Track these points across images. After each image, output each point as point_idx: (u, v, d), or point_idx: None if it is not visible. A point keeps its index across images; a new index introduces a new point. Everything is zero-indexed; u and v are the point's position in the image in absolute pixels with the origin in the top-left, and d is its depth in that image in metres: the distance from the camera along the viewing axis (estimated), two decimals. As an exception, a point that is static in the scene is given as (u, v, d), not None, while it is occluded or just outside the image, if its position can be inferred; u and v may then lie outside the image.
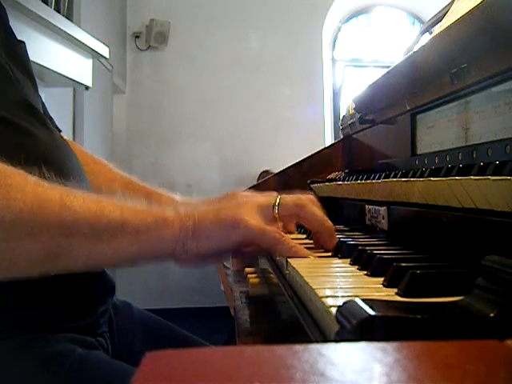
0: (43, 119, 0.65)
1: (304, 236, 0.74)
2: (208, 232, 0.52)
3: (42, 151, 0.59)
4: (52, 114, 0.77)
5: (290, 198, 0.57)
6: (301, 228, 0.79)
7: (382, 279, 0.39)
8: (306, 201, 0.57)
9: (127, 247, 0.49)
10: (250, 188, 1.40)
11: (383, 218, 0.65)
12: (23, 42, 0.71)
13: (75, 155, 0.69)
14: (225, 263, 2.64)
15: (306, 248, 0.56)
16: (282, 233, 0.54)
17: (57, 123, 0.77)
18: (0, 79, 0.60)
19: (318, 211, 0.57)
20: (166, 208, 0.53)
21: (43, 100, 0.75)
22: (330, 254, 0.56)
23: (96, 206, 0.48)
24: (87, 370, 0.55)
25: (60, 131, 0.77)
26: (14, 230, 0.43)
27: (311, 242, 0.65)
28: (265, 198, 0.57)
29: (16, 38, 0.70)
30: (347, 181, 0.90)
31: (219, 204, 0.55)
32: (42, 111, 0.68)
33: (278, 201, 0.56)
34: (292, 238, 0.68)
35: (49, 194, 0.46)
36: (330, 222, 0.58)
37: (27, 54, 0.71)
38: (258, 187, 1.45)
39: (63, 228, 0.46)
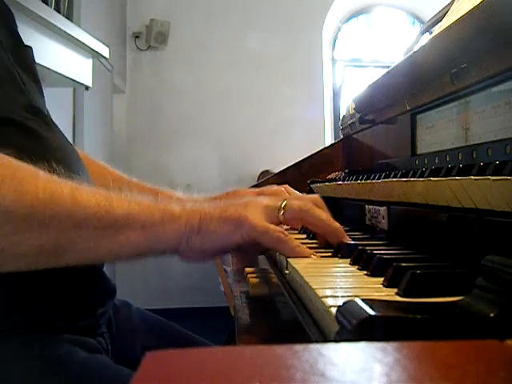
0: (49, 121, 0.65)
1: (304, 236, 0.74)
2: (213, 229, 0.52)
3: (48, 152, 0.59)
4: (52, 114, 0.77)
5: (296, 201, 0.57)
6: (301, 228, 0.79)
7: (382, 279, 0.39)
8: (311, 205, 0.58)
9: (133, 241, 0.50)
10: (250, 188, 1.40)
11: (383, 218, 0.65)
12: (30, 48, 0.71)
13: (79, 157, 0.69)
14: (224, 266, 2.65)
15: (308, 248, 0.57)
16: (286, 232, 0.54)
17: (57, 123, 0.77)
18: (8, 82, 0.61)
19: (322, 214, 0.57)
20: (172, 203, 0.54)
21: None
22: (329, 252, 0.56)
23: (105, 201, 0.48)
24: (89, 373, 0.54)
25: None
26: (25, 223, 0.44)
27: (312, 241, 0.65)
28: (271, 200, 0.57)
29: (23, 43, 0.71)
30: (347, 181, 0.90)
31: (225, 202, 0.56)
32: (47, 113, 0.69)
33: (283, 204, 0.56)
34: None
35: (60, 188, 0.46)
36: (335, 223, 0.58)
37: (34, 59, 0.72)
38: (259, 187, 1.44)
39: (73, 222, 0.46)
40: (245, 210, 0.53)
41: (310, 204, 0.58)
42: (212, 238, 0.52)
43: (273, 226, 0.53)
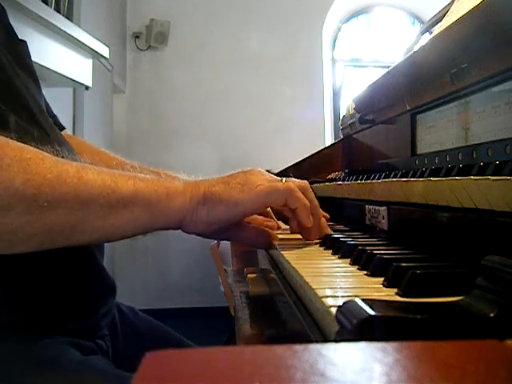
0: (42, 123, 0.64)
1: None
2: (218, 200, 0.53)
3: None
4: (52, 115, 0.77)
5: (294, 179, 0.60)
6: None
7: (382, 279, 0.39)
8: (308, 186, 0.60)
9: (138, 218, 0.50)
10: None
11: (383, 218, 0.65)
12: (25, 42, 0.71)
13: (77, 157, 0.69)
14: (225, 267, 2.65)
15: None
16: (295, 186, 0.56)
17: (58, 122, 0.78)
18: (4, 88, 0.60)
19: (315, 198, 0.61)
20: (176, 179, 0.55)
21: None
22: (330, 251, 0.56)
23: (110, 180, 0.49)
24: (82, 376, 0.54)
25: (64, 128, 0.78)
26: (35, 203, 0.44)
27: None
28: (271, 176, 0.59)
29: (17, 37, 0.70)
30: (347, 181, 0.90)
31: (227, 175, 0.57)
32: (44, 110, 0.68)
33: (283, 179, 0.58)
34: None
35: (66, 169, 0.47)
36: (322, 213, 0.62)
37: (29, 54, 0.71)
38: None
39: (80, 201, 0.47)
40: (248, 178, 0.55)
41: (308, 186, 0.61)
42: (218, 209, 0.53)
43: (280, 183, 0.56)
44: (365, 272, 0.43)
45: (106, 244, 0.66)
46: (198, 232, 0.55)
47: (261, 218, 0.70)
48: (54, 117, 0.79)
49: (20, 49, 0.69)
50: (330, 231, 0.63)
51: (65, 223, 0.47)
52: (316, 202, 0.60)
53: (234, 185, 0.54)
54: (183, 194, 0.53)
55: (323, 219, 0.63)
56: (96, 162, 0.79)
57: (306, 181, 0.62)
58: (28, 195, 0.43)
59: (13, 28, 0.70)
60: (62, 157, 0.49)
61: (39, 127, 0.61)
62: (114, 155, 0.86)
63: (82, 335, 0.59)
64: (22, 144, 0.46)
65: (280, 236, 0.66)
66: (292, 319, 0.41)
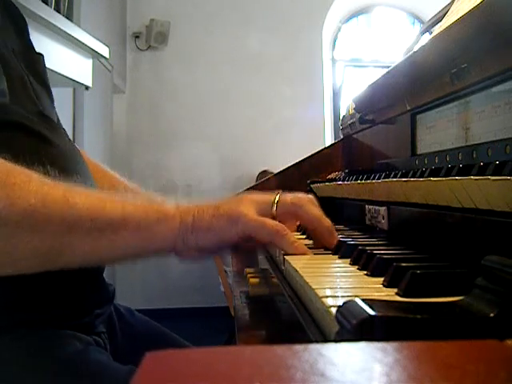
0: (57, 128, 0.66)
1: (304, 236, 0.74)
2: (206, 226, 0.52)
3: (58, 157, 0.59)
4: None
5: (289, 196, 0.57)
6: (301, 228, 0.79)
7: (382, 279, 0.39)
8: (305, 200, 0.58)
9: (128, 243, 0.50)
10: (249, 188, 1.41)
11: (383, 218, 0.65)
12: (42, 55, 0.73)
13: (86, 163, 0.69)
14: (225, 267, 2.65)
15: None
16: (284, 226, 0.54)
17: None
18: (20, 89, 0.61)
19: (315, 210, 0.57)
20: (166, 203, 0.54)
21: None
22: (330, 252, 0.56)
23: (98, 203, 0.48)
24: (82, 364, 0.54)
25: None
26: (19, 228, 0.44)
27: (311, 242, 0.65)
28: (264, 196, 0.57)
29: (35, 50, 0.72)
30: (347, 181, 0.90)
31: (219, 200, 0.56)
32: (56, 121, 0.70)
33: (276, 199, 0.56)
34: None
35: (52, 192, 0.46)
36: (328, 220, 0.58)
37: (45, 67, 0.73)
38: (258, 187, 1.45)
39: (66, 225, 0.46)
40: (238, 206, 0.53)
41: (305, 199, 0.58)
42: (206, 236, 0.52)
43: (270, 220, 0.53)
44: (365, 272, 0.43)
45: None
46: (191, 258, 0.54)
47: None
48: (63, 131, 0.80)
49: (37, 62, 0.71)
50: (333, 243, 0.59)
51: (50, 247, 0.46)
52: (314, 219, 0.56)
53: (222, 211, 0.53)
54: (173, 219, 0.52)
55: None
56: (95, 179, 0.78)
57: (305, 197, 0.59)
58: (11, 220, 0.43)
59: (31, 41, 0.72)
60: (53, 177, 0.49)
61: (48, 139, 0.62)
62: (112, 174, 0.84)
63: (79, 330, 0.60)
64: (10, 166, 0.46)
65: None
66: (292, 319, 0.41)
